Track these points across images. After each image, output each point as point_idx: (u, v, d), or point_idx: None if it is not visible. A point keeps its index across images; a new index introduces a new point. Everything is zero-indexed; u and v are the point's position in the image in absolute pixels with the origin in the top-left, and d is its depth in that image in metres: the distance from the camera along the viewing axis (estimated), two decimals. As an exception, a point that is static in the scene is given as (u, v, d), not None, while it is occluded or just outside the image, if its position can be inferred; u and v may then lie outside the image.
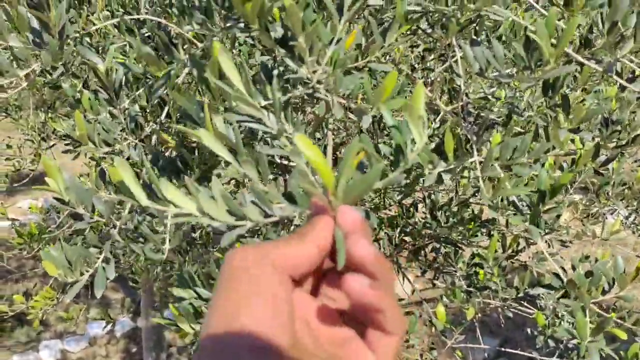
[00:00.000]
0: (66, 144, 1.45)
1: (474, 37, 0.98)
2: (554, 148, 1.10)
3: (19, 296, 1.91)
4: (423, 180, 0.87)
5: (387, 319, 0.36)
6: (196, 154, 0.99)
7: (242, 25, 0.77)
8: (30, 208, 2.41)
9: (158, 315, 2.98)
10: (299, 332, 0.37)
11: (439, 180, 1.03)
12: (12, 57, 0.88)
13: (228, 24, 0.79)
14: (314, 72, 0.73)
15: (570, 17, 1.29)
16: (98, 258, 0.84)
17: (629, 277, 0.99)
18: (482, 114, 1.36)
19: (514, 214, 0.92)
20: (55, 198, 0.81)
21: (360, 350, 0.38)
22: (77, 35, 0.98)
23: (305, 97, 1.16)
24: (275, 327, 0.34)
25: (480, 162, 0.96)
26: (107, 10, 1.52)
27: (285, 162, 1.48)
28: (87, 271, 0.82)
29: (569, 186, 1.81)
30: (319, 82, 0.75)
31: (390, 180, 0.60)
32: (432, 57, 1.51)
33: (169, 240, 1.01)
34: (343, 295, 0.38)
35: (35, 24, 0.83)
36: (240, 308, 0.34)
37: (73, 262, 0.77)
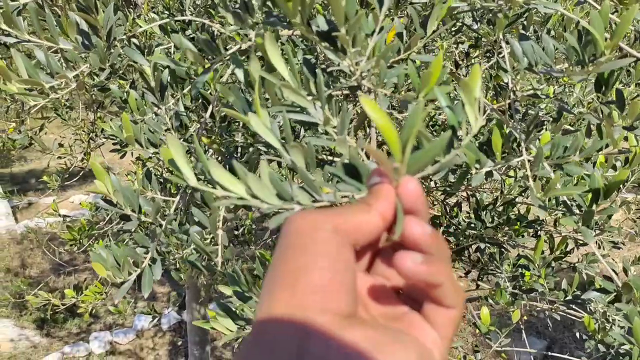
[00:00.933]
0: (114, 144, 1.49)
1: (522, 32, 0.94)
2: (607, 146, 1.05)
3: (70, 291, 1.98)
4: (468, 179, 0.84)
5: (445, 292, 0.35)
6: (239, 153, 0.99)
7: (283, 21, 0.77)
8: (80, 204, 2.50)
9: (202, 310, 3.03)
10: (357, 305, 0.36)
11: (489, 174, 1.00)
12: (62, 59, 0.90)
13: (270, 19, 0.79)
14: (357, 63, 0.72)
15: (624, 9, 1.24)
16: (145, 258, 0.85)
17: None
18: (530, 111, 1.32)
19: (564, 215, 0.89)
20: (103, 199, 0.83)
21: (418, 323, 0.36)
22: (124, 37, 1.00)
23: (349, 93, 1.15)
24: (336, 297, 0.32)
25: (529, 161, 0.93)
26: (153, 12, 1.55)
27: (330, 158, 1.48)
28: (135, 271, 0.83)
29: (621, 185, 1.73)
30: (362, 74, 0.74)
31: (445, 164, 0.57)
32: (477, 53, 1.48)
33: (222, 253, 1.03)
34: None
35: (84, 26, 0.85)
36: (300, 275, 0.32)
37: (121, 262, 0.78)
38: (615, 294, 1.06)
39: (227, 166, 0.94)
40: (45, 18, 0.84)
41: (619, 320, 1.11)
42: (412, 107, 0.38)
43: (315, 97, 0.66)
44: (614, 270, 1.32)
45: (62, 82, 0.89)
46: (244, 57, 0.86)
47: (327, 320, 0.31)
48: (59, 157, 2.19)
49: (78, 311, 1.91)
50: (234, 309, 0.99)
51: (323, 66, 0.80)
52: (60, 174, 2.18)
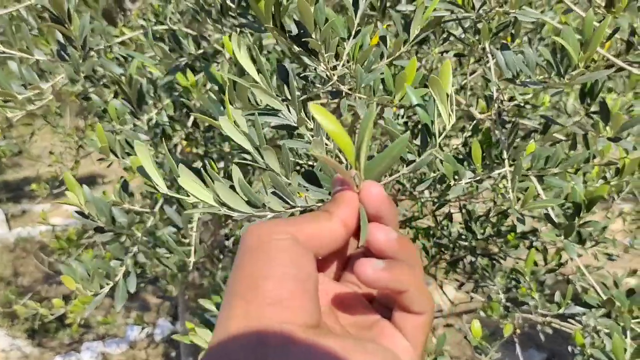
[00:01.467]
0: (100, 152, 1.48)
1: (504, 41, 0.93)
2: (594, 157, 1.04)
3: (59, 301, 1.96)
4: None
5: (412, 298, 0.34)
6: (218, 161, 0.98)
7: (257, 25, 0.76)
8: (70, 215, 2.48)
9: (195, 321, 3.00)
10: (324, 315, 0.35)
11: (478, 183, 0.98)
12: (38, 70, 0.89)
13: (243, 21, 0.78)
14: (334, 68, 0.70)
15: (614, 19, 1.23)
16: (119, 271, 0.84)
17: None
18: (518, 121, 1.31)
19: (534, 233, 0.87)
20: (76, 212, 0.82)
21: (388, 331, 0.35)
22: (102, 47, 0.99)
23: (330, 100, 1.13)
24: (296, 308, 0.31)
25: (511, 172, 0.92)
26: (143, 19, 1.54)
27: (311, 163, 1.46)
28: (108, 284, 0.82)
29: (615, 196, 1.71)
30: (339, 78, 0.72)
31: (419, 163, 0.56)
32: (472, 61, 1.47)
33: (194, 252, 1.01)
34: None
35: (60, 37, 0.84)
36: (259, 285, 0.31)
37: (91, 276, 0.77)
38: (603, 308, 1.04)
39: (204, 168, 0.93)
40: (20, 29, 0.83)
41: (608, 336, 1.09)
42: (365, 112, 0.37)
43: (290, 101, 0.64)
44: (604, 284, 1.30)
45: (36, 93, 0.87)
46: (217, 63, 0.85)
47: (286, 332, 0.30)
48: (49, 165, 2.18)
49: (66, 322, 1.89)
50: (213, 321, 0.97)
51: (306, 73, 0.78)
52: (50, 182, 2.17)
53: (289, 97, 0.64)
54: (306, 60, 0.69)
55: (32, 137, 2.28)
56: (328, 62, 0.68)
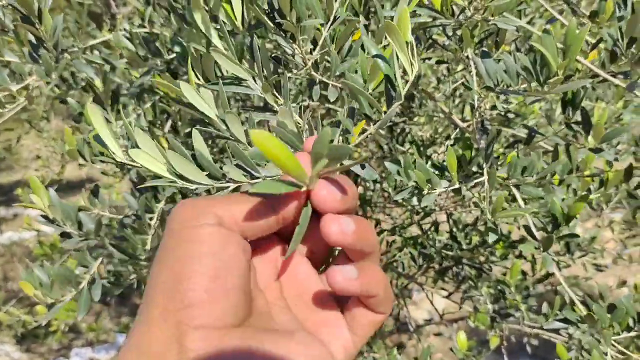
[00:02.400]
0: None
1: (485, 49, 0.92)
2: (578, 169, 1.02)
3: (42, 307, 1.94)
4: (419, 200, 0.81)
5: (379, 301, 0.34)
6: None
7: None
8: (20, 205, 2.45)
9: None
10: (270, 289, 0.35)
11: (458, 193, 0.96)
12: (10, 73, 0.88)
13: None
14: (310, 52, 0.68)
15: (599, 29, 1.22)
16: (83, 278, 0.82)
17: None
18: (500, 130, 1.29)
19: (522, 242, 0.85)
20: (42, 216, 0.80)
21: (333, 319, 0.35)
22: (77, 49, 0.98)
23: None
24: (216, 309, 0.29)
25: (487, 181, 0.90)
26: (129, 23, 1.53)
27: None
28: (71, 292, 0.80)
29: (604, 205, 1.70)
30: (313, 65, 0.70)
31: (386, 117, 0.53)
32: (459, 68, 1.46)
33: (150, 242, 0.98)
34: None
35: (32, 38, 0.83)
36: (177, 283, 0.29)
37: (56, 282, 0.75)
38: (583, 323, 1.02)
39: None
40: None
41: (588, 353, 1.07)
42: (320, 131, 0.35)
43: (256, 74, 0.62)
44: (589, 295, 1.28)
45: (7, 95, 0.86)
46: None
47: (201, 337, 0.28)
48: (36, 170, 2.16)
49: (50, 329, 1.87)
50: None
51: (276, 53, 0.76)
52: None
53: (255, 72, 0.61)
54: (281, 42, 0.66)
55: (19, 142, 2.26)
56: (304, 45, 0.66)
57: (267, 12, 0.62)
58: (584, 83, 0.77)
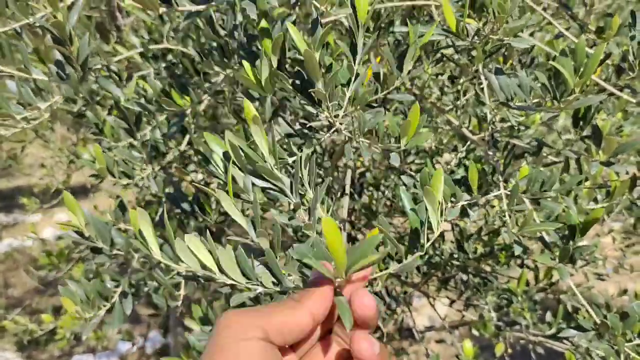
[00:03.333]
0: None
1: (498, 65, 0.94)
2: (586, 180, 1.05)
3: (48, 316, 1.94)
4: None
5: None
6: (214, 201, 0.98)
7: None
8: (60, 225, 2.46)
9: (186, 334, 2.97)
10: None
11: (464, 214, 0.99)
12: (35, 89, 0.89)
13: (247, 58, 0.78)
14: (336, 116, 0.71)
15: (605, 44, 1.24)
16: (115, 292, 0.83)
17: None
18: (511, 142, 1.32)
19: (542, 252, 0.88)
20: (75, 232, 0.81)
21: None
22: (99, 66, 0.99)
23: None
24: None
25: (507, 195, 0.93)
26: (135, 36, 1.55)
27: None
28: (105, 306, 0.82)
29: (606, 216, 1.73)
30: (341, 123, 0.73)
31: (405, 266, 0.57)
32: (463, 80, 1.48)
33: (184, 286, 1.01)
34: None
35: (59, 56, 0.84)
36: None
37: (90, 298, 0.77)
38: (596, 331, 1.05)
39: (198, 203, 0.92)
40: (19, 48, 0.83)
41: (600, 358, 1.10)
42: (366, 240, 0.40)
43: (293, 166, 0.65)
44: (596, 304, 1.31)
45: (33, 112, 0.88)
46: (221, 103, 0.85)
47: None
48: (41, 179, 2.17)
49: (55, 337, 1.87)
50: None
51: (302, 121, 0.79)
52: (41, 195, 2.16)
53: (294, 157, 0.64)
54: (310, 109, 0.69)
55: (24, 150, 2.27)
56: (331, 110, 0.68)
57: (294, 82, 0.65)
58: (599, 99, 0.79)
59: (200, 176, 1.65)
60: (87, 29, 1.49)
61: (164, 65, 1.30)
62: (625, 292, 1.76)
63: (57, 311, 2.27)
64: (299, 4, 0.70)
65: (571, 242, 0.88)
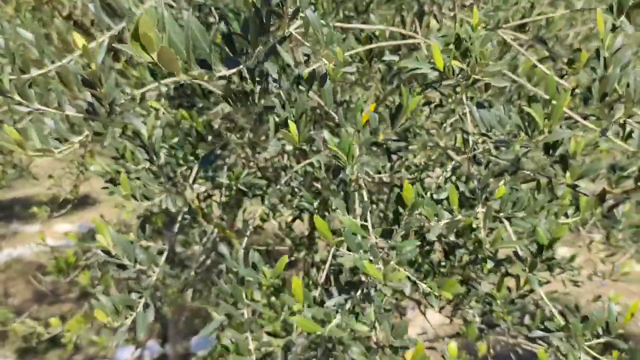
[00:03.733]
0: (105, 181, 1.58)
1: (479, 100, 1.07)
2: (557, 198, 1.18)
3: (56, 320, 2.03)
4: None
5: None
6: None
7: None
8: (66, 234, 2.56)
9: (184, 343, 3.07)
10: None
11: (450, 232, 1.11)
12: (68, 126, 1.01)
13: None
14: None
15: (571, 74, 1.39)
16: (139, 303, 0.95)
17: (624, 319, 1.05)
18: (492, 167, 1.45)
19: (514, 264, 1.00)
20: (102, 251, 0.93)
21: None
22: (124, 101, 1.11)
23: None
24: None
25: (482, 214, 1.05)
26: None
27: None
28: (131, 315, 0.93)
29: (580, 227, 1.86)
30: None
31: None
32: (451, 102, 1.61)
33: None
34: None
35: (88, 96, 0.96)
36: None
37: (119, 308, 0.88)
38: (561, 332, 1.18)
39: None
40: (55, 89, 0.95)
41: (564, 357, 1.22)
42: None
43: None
44: (567, 307, 1.44)
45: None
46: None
47: None
48: (48, 189, 2.27)
49: (62, 340, 1.96)
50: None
51: None
52: (49, 204, 2.25)
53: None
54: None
55: (32, 162, 2.37)
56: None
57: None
58: (564, 135, 0.92)
59: (202, 188, 1.76)
60: (110, 67, 1.61)
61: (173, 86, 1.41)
62: (599, 297, 1.90)
63: (61, 318, 2.36)
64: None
65: (539, 256, 1.01)
